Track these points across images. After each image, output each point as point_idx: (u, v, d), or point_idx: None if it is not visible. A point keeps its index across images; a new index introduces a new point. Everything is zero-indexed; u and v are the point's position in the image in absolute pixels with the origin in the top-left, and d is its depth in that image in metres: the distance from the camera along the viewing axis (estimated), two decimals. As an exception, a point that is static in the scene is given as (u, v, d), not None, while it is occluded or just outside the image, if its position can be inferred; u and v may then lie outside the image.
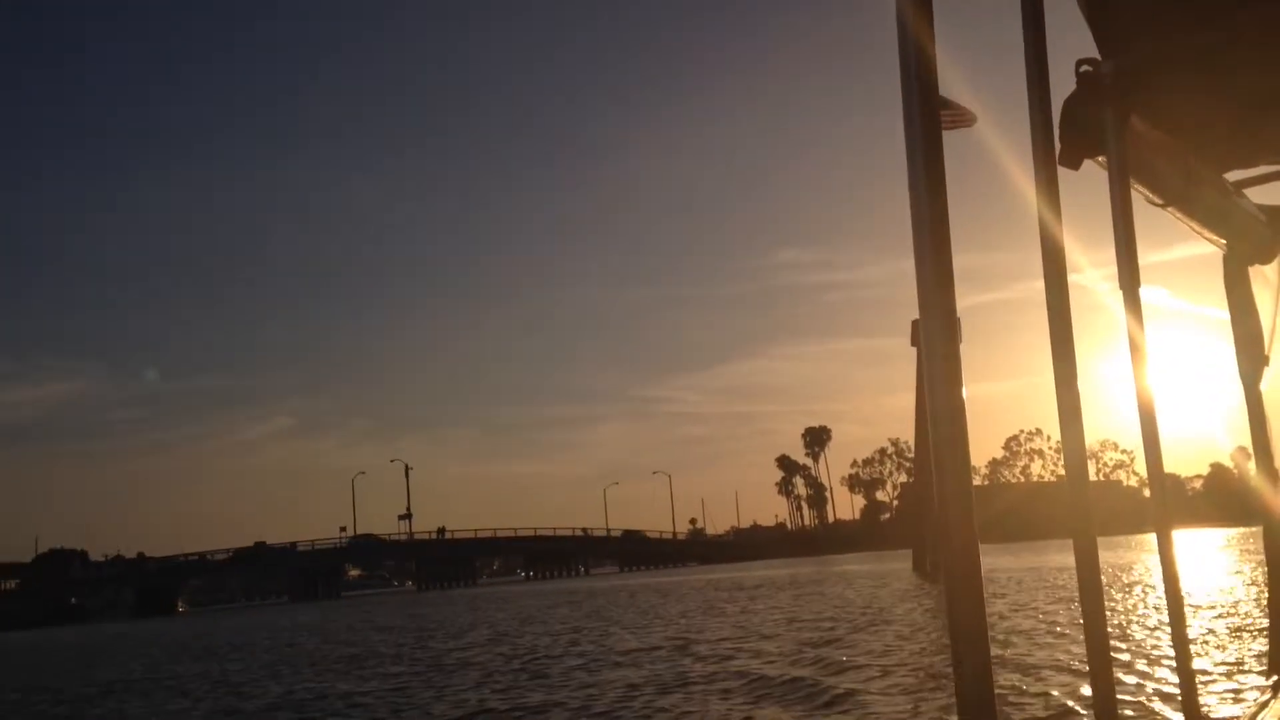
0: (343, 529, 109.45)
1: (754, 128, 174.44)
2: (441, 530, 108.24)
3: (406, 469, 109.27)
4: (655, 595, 40.52)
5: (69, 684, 21.65)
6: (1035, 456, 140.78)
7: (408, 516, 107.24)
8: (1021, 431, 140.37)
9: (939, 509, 1.14)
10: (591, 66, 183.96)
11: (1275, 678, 3.16)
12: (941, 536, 1.12)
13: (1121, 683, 10.19)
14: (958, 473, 1.12)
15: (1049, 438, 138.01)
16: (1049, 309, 1.69)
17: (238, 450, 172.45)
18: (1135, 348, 1.99)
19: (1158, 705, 9.17)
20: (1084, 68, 2.04)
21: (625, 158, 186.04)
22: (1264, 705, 2.74)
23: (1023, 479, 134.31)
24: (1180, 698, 2.09)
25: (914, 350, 51.79)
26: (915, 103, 1.15)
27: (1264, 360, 3.20)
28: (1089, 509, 1.67)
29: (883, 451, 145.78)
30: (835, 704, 10.64)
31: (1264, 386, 3.22)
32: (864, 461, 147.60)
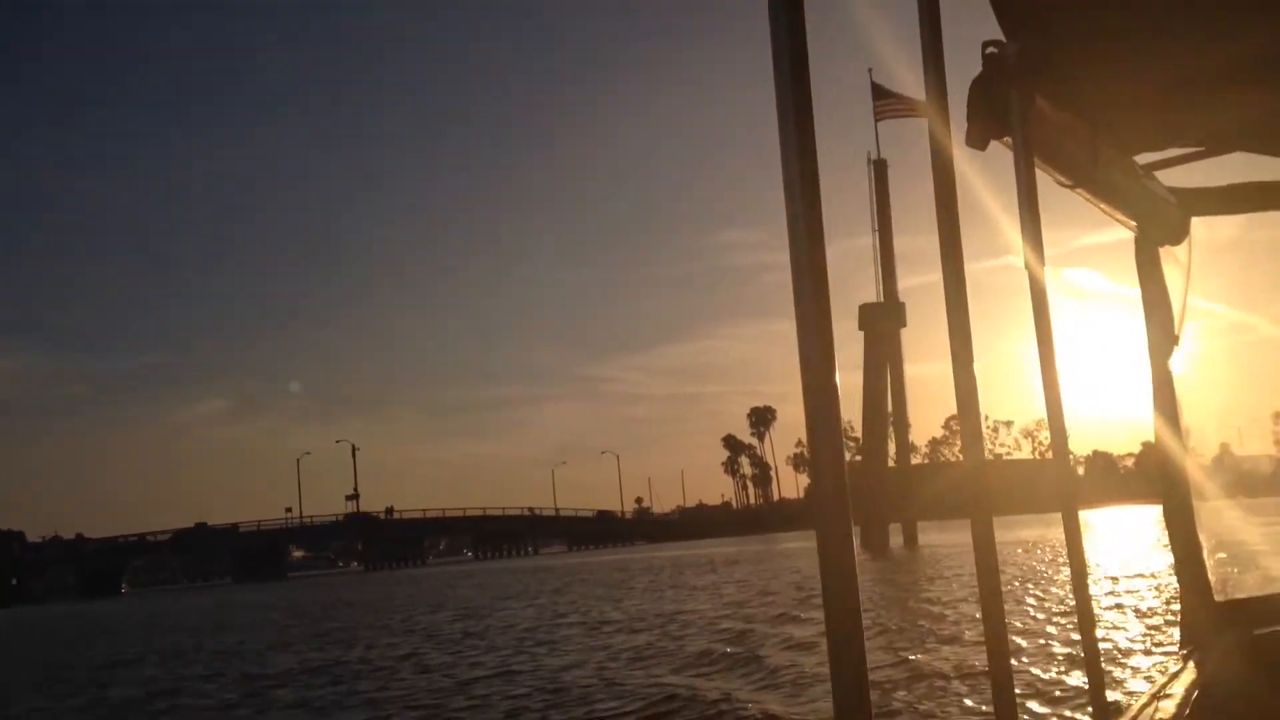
0: (288, 510, 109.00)
1: (700, 108, 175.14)
2: (389, 510, 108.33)
3: (353, 449, 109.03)
4: (625, 573, 41.35)
5: (85, 658, 21.98)
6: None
7: (355, 497, 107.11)
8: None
9: (815, 494, 1.09)
10: (540, 45, 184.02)
11: (1186, 650, 3.17)
12: (817, 524, 1.06)
13: (1035, 656, 10.97)
14: (833, 463, 1.07)
15: (987, 417, 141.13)
16: (947, 296, 1.65)
17: (174, 430, 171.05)
18: (1041, 328, 1.99)
19: (1071, 679, 9.63)
20: (990, 49, 2.05)
21: (570, 137, 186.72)
22: (1174, 676, 2.77)
23: (961, 458, 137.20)
24: (1085, 672, 2.10)
25: (862, 333, 53.47)
26: (786, 81, 1.09)
27: (1174, 340, 3.25)
28: (989, 491, 1.64)
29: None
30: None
31: (1174, 367, 3.25)
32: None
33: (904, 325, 55.23)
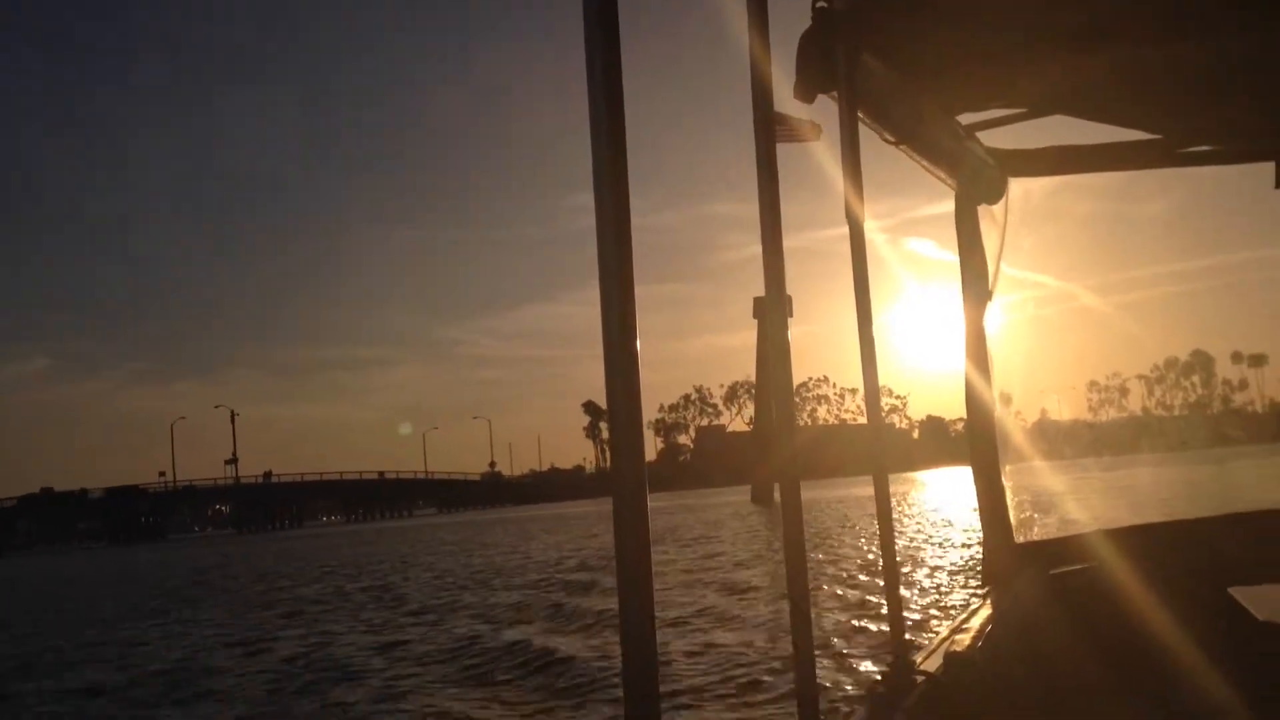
0: (161, 473, 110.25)
1: (546, 70, 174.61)
2: (268, 474, 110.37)
3: (232, 415, 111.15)
4: (541, 527, 46.71)
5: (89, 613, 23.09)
6: (822, 402, 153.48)
7: (234, 461, 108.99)
8: (810, 379, 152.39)
9: (613, 471, 1.05)
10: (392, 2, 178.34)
11: (986, 588, 3.24)
12: (614, 490, 1.03)
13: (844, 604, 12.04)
14: (632, 441, 1.04)
15: (834, 384, 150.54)
16: (766, 261, 1.64)
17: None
18: (859, 276, 2.01)
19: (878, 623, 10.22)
20: (820, 3, 2.03)
21: (417, 95, 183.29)
22: (973, 612, 2.81)
23: (810, 422, 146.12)
24: (887, 611, 2.29)
25: (755, 320, 61.46)
26: (597, 53, 1.01)
27: (988, 296, 3.31)
28: (796, 461, 1.69)
29: (686, 398, 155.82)
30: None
31: (990, 324, 3.31)
32: (669, 407, 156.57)
33: (791, 315, 63.75)
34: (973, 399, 3.32)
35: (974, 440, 3.34)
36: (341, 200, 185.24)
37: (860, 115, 2.18)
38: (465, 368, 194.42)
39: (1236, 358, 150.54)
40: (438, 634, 12.95)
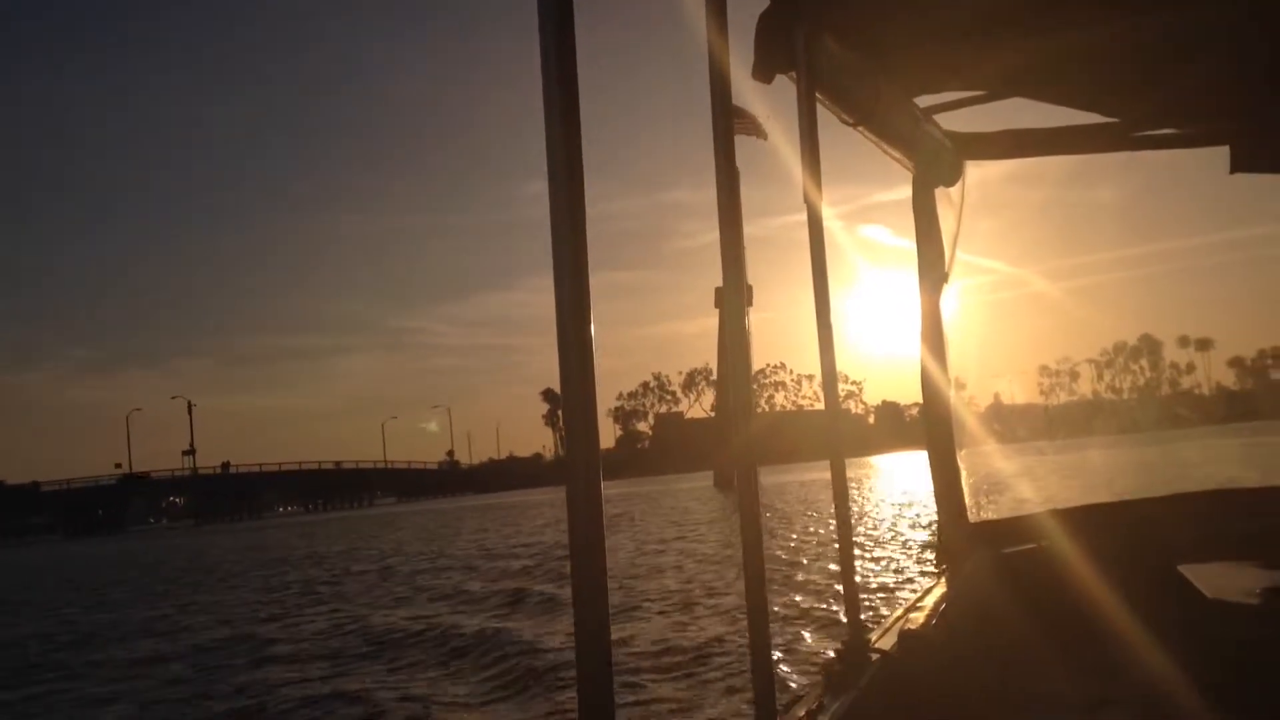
0: (118, 465, 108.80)
1: (506, 57, 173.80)
2: (226, 465, 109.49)
3: (189, 406, 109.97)
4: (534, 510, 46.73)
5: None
6: (779, 388, 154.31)
7: (191, 452, 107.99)
8: (768, 365, 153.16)
9: (567, 457, 1.05)
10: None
11: (941, 567, 3.29)
12: (568, 480, 1.03)
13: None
14: (586, 428, 1.03)
15: (791, 371, 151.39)
16: (723, 246, 1.62)
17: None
18: (816, 257, 2.01)
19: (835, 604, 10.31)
20: None
21: (373, 82, 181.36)
22: (928, 591, 2.83)
23: (769, 408, 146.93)
24: (843, 589, 2.26)
25: (717, 310, 62.05)
26: (552, 60, 1.00)
27: (944, 278, 3.32)
28: (751, 449, 1.67)
29: (645, 385, 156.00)
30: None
31: (945, 308, 3.32)
32: (629, 394, 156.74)
33: (751, 305, 64.65)
34: (928, 383, 3.33)
35: (929, 424, 3.37)
36: (295, 187, 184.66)
37: (818, 96, 2.16)
38: (423, 356, 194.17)
39: (1183, 342, 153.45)
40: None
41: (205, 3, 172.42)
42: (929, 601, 2.69)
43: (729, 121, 1.64)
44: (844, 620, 2.31)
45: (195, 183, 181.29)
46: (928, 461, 3.40)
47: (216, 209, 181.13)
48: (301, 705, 8.49)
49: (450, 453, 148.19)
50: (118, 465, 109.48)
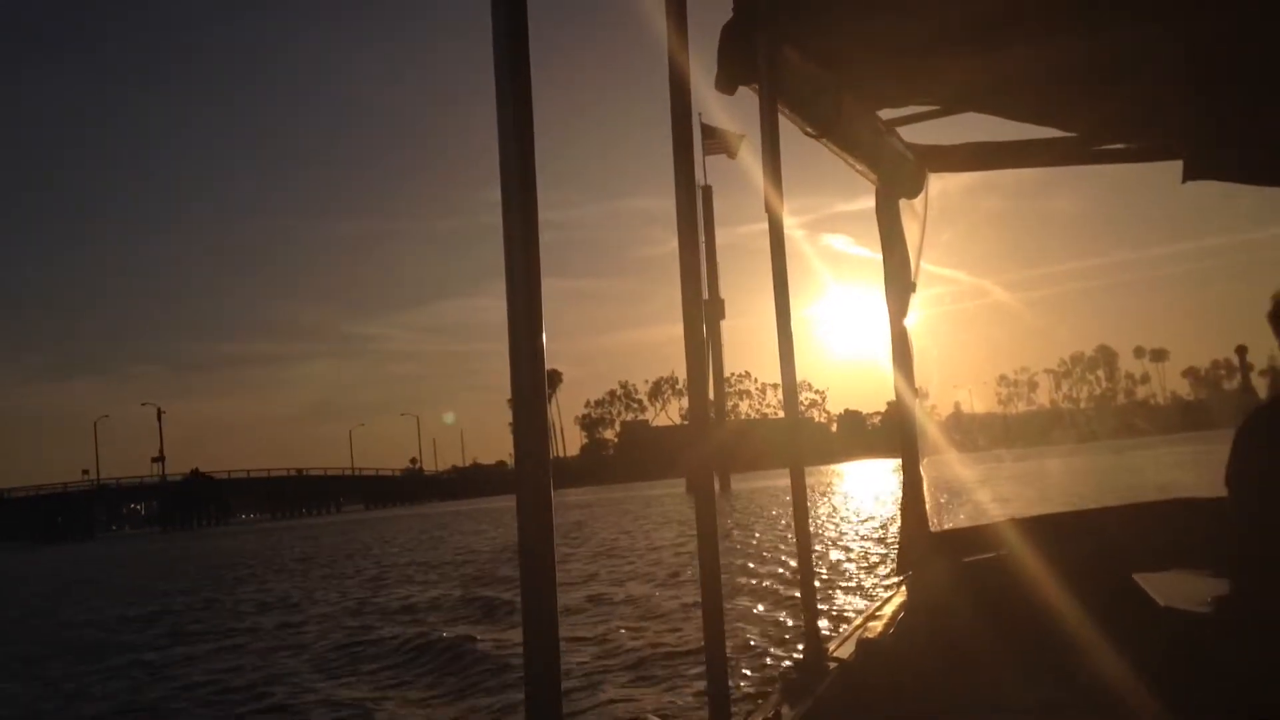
0: (85, 471, 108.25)
1: (468, 64, 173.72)
2: (195, 471, 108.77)
3: (159, 412, 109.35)
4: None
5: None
6: (744, 396, 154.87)
7: (161, 459, 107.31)
8: (733, 374, 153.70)
9: (517, 464, 1.11)
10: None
11: (901, 577, 3.32)
12: (519, 488, 1.10)
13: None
14: (535, 433, 1.08)
15: (756, 380, 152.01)
16: (681, 252, 1.63)
17: None
18: (777, 267, 2.02)
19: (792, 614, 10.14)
20: None
21: (328, 89, 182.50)
22: (887, 600, 2.87)
23: (734, 416, 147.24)
24: (801, 599, 2.28)
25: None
26: (505, 60, 1.00)
27: (911, 288, 3.34)
28: (708, 458, 1.73)
29: (612, 393, 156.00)
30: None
31: (910, 318, 3.36)
32: (596, 402, 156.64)
33: (724, 318, 64.02)
34: (897, 393, 3.37)
35: (900, 425, 3.42)
36: (247, 193, 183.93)
37: (781, 108, 2.17)
38: (382, 362, 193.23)
39: (1139, 353, 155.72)
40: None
41: (159, 8, 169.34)
42: (888, 610, 2.70)
43: (688, 130, 1.63)
44: (802, 628, 2.29)
45: (143, 189, 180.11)
46: (901, 469, 3.44)
47: (166, 215, 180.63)
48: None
49: (414, 460, 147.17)
50: (85, 472, 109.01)
